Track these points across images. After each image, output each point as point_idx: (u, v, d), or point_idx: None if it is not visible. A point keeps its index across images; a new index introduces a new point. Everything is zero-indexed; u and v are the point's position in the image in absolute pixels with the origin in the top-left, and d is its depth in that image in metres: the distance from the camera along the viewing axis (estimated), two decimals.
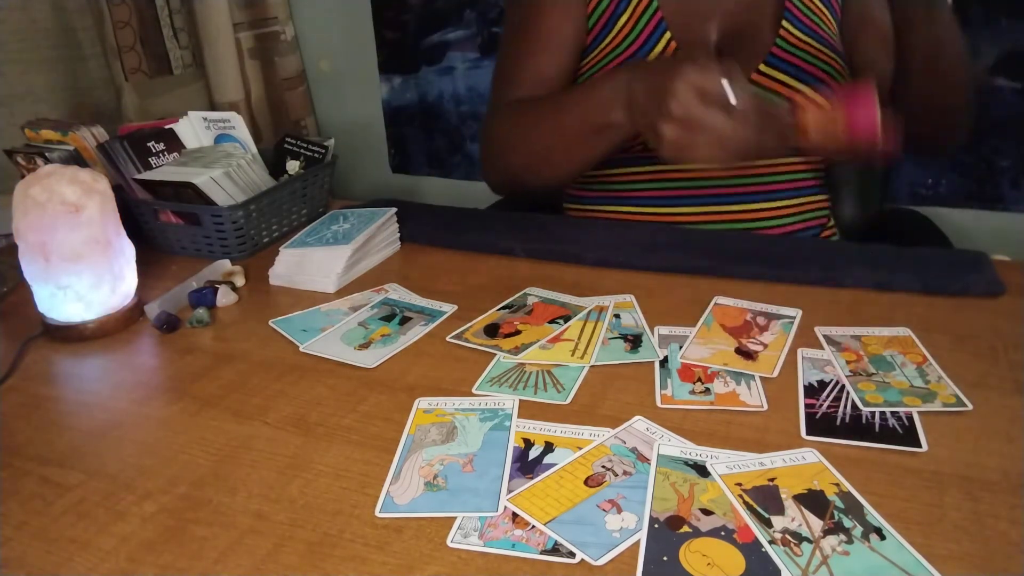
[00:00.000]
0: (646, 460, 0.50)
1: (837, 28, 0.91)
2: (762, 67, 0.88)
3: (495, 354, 0.64)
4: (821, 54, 0.88)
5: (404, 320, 0.71)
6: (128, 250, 0.75)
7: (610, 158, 0.94)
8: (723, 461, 0.49)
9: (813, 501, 0.46)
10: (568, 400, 0.58)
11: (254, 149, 0.97)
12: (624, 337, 0.66)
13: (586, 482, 0.48)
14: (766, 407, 0.56)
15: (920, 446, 0.51)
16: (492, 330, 0.68)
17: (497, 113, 0.95)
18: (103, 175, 0.73)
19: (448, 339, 0.67)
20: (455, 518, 0.46)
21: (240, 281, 0.81)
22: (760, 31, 0.90)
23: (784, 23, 0.88)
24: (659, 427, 0.53)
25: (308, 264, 0.81)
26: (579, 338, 0.66)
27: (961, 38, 0.83)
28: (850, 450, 0.51)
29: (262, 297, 0.79)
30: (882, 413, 0.54)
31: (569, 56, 0.93)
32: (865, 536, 0.43)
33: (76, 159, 0.93)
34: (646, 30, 0.90)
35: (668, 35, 0.89)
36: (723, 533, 0.44)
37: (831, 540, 0.43)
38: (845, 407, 0.55)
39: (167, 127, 0.96)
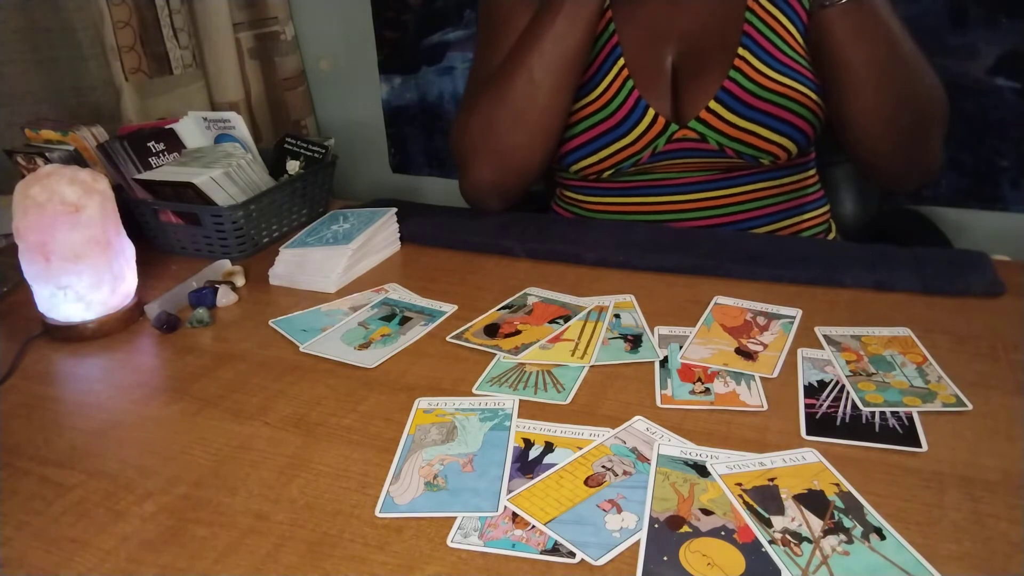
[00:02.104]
0: (646, 460, 0.50)
1: (803, 36, 0.86)
2: (712, 104, 0.85)
3: (495, 354, 0.64)
4: (778, 87, 0.84)
5: (404, 320, 0.71)
6: (128, 250, 0.75)
7: (586, 187, 0.95)
8: (723, 461, 0.49)
9: (813, 501, 0.46)
10: (568, 400, 0.58)
11: (254, 149, 0.97)
12: (624, 337, 0.66)
13: (586, 482, 0.48)
14: (766, 407, 0.56)
15: (920, 446, 0.51)
16: (492, 330, 0.68)
17: (464, 105, 0.93)
18: (103, 175, 0.73)
19: (448, 339, 0.67)
20: (455, 518, 0.46)
21: (240, 281, 0.81)
22: (717, 59, 0.86)
23: (741, 50, 0.85)
24: (659, 427, 0.53)
25: (308, 264, 0.81)
26: (579, 338, 0.66)
27: (907, 52, 0.80)
28: (850, 450, 0.51)
29: (262, 297, 0.79)
30: (882, 413, 0.54)
31: None
32: (865, 536, 0.43)
33: (76, 159, 0.93)
34: (601, 54, 0.89)
35: (622, 62, 0.88)
36: (723, 533, 0.44)
37: (831, 540, 0.43)
38: (845, 407, 0.55)
39: (167, 127, 0.96)
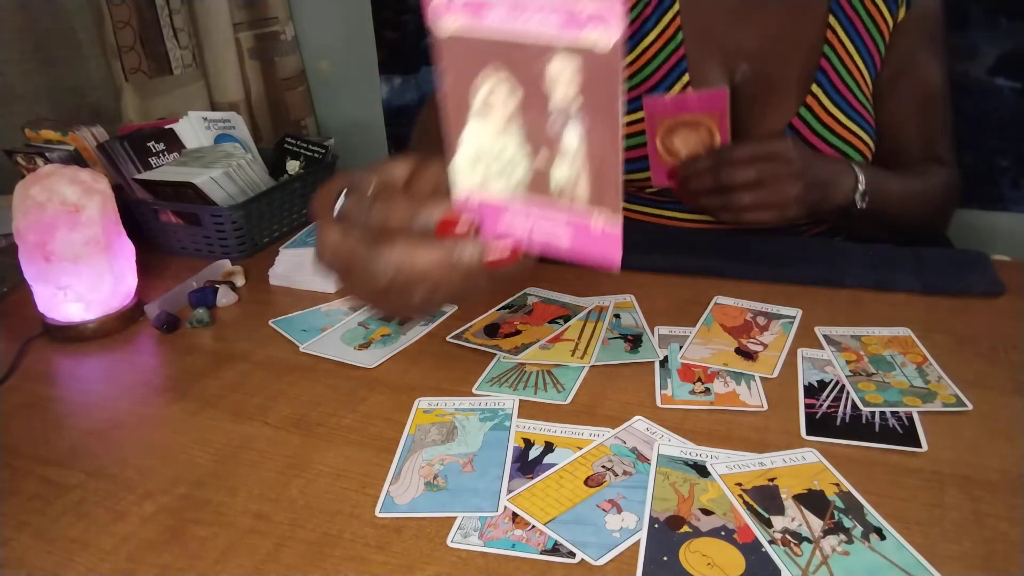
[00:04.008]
0: (646, 460, 0.50)
1: (871, 86, 0.85)
2: None
3: (495, 354, 0.64)
4: (844, 132, 0.82)
5: (404, 320, 0.71)
6: (128, 250, 0.75)
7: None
8: (723, 461, 0.49)
9: (813, 501, 0.46)
10: (568, 400, 0.58)
11: (254, 149, 0.97)
12: (624, 337, 0.66)
13: (586, 482, 0.48)
14: (766, 407, 0.56)
15: (920, 446, 0.51)
16: (492, 330, 0.68)
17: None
18: (103, 175, 0.73)
19: (448, 339, 0.67)
20: (455, 518, 0.46)
21: (240, 281, 0.81)
22: (787, 91, 0.84)
23: (814, 87, 0.83)
24: (659, 427, 0.53)
25: (308, 264, 0.81)
26: (579, 338, 0.66)
27: (934, 202, 0.83)
28: (850, 450, 0.51)
29: (262, 297, 0.79)
30: (882, 413, 0.54)
31: None
32: (865, 536, 0.43)
33: (76, 159, 0.93)
34: (667, 64, 0.85)
35: (686, 78, 0.85)
36: (723, 533, 0.44)
37: (831, 540, 0.43)
38: (845, 407, 0.55)
39: (167, 127, 0.96)
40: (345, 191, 0.45)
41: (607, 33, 0.33)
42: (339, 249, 0.45)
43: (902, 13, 0.86)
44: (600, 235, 0.39)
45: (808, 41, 0.85)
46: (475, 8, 0.37)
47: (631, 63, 0.87)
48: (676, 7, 0.86)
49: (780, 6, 0.86)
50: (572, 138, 0.37)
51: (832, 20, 0.85)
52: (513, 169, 0.40)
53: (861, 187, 0.77)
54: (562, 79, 0.36)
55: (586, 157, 0.37)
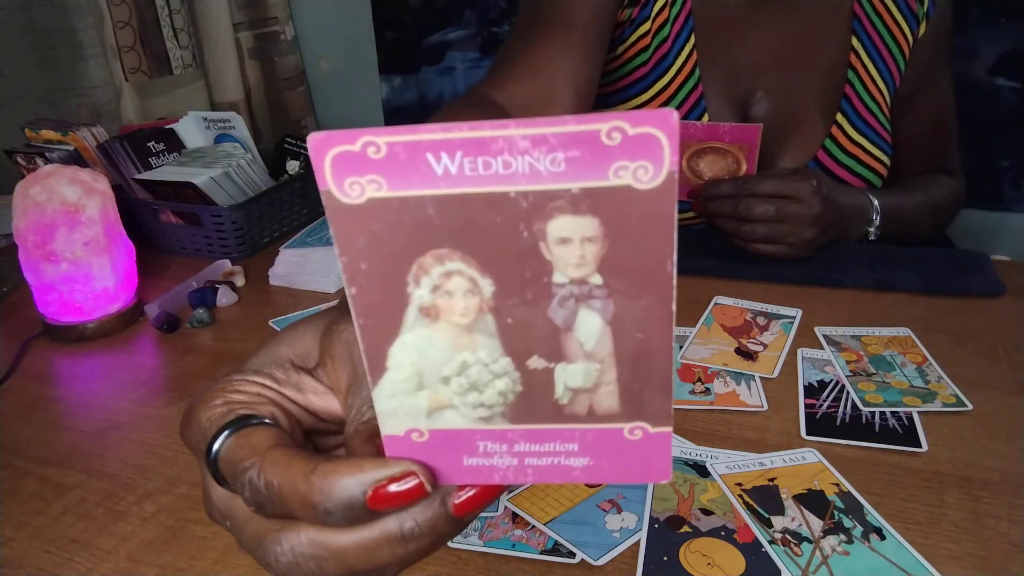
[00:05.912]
0: None
1: (890, 104, 0.85)
2: None
3: None
4: (867, 157, 0.82)
5: None
6: (128, 250, 0.75)
7: None
8: (723, 461, 0.49)
9: (813, 501, 0.46)
10: None
11: (254, 149, 0.97)
12: None
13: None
14: (766, 407, 0.56)
15: (920, 446, 0.51)
16: None
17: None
18: (103, 175, 0.73)
19: None
20: None
21: (240, 281, 0.81)
22: (811, 122, 0.83)
23: (839, 117, 0.82)
24: None
25: (308, 264, 0.81)
26: None
27: (938, 215, 0.84)
28: (850, 450, 0.51)
29: (262, 297, 0.79)
30: (882, 413, 0.54)
31: (589, 53, 0.76)
32: (865, 536, 0.43)
33: (76, 159, 0.93)
34: (686, 104, 0.84)
35: (706, 117, 0.83)
36: (723, 533, 0.44)
37: (831, 540, 0.43)
38: (845, 407, 0.55)
39: (167, 127, 0.96)
40: (226, 432, 0.26)
41: (654, 162, 0.20)
42: (230, 517, 0.27)
43: (923, 29, 0.85)
44: (639, 444, 0.25)
45: (829, 67, 0.84)
46: (406, 155, 0.21)
47: (655, 94, 0.84)
48: (692, 39, 0.83)
49: (800, 32, 0.83)
50: (589, 329, 0.23)
51: (855, 43, 0.83)
52: (484, 388, 0.25)
53: (877, 222, 0.78)
54: (572, 243, 0.21)
55: (613, 354, 0.23)
